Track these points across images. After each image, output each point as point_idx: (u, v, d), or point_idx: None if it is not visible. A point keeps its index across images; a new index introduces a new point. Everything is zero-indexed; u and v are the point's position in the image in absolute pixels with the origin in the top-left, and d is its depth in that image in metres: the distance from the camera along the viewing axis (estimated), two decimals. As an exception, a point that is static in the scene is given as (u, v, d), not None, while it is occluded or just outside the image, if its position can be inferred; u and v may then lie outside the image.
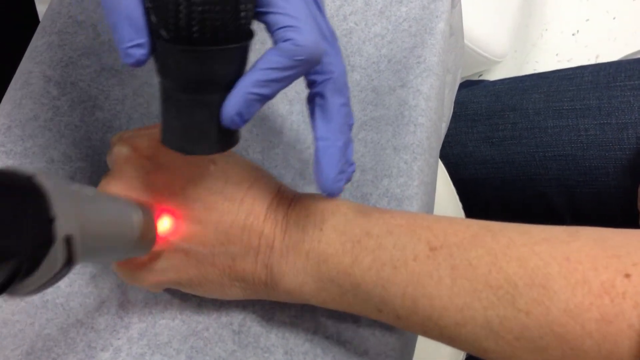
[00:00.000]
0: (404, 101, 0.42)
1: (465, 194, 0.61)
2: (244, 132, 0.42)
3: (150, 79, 0.44)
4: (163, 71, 0.28)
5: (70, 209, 0.23)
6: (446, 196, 0.57)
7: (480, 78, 1.30)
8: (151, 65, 0.45)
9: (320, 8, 0.31)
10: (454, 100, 0.53)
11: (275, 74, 0.27)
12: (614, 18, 1.36)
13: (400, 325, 0.32)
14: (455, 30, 0.47)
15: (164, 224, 0.33)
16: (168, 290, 0.38)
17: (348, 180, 0.33)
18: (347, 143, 0.31)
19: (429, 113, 0.42)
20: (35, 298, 0.37)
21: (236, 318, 0.37)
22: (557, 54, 1.36)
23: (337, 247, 0.32)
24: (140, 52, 0.27)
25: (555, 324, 0.25)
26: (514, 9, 1.21)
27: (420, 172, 0.40)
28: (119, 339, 0.37)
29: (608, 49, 1.33)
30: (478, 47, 1.10)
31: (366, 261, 0.31)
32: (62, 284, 0.38)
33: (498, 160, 0.62)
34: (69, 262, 0.23)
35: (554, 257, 0.26)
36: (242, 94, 0.28)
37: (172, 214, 0.33)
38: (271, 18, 0.28)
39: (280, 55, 0.27)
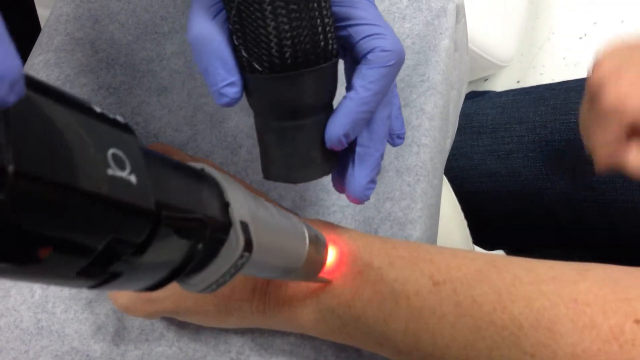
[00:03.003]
0: (407, 121, 0.41)
1: (470, 207, 0.60)
2: (243, 153, 0.41)
3: (147, 98, 0.43)
4: (260, 104, 0.29)
5: (242, 199, 0.22)
6: (450, 210, 0.56)
7: (486, 82, 1.28)
8: (150, 83, 0.44)
9: None
10: (458, 115, 0.51)
11: (374, 86, 0.28)
12: (622, 21, 1.34)
13: (401, 361, 0.31)
14: (460, 45, 0.46)
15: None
16: (165, 317, 0.37)
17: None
18: (383, 155, 0.32)
19: (433, 133, 0.41)
20: (30, 325, 0.37)
21: (234, 345, 0.36)
22: (564, 58, 1.35)
23: (338, 277, 0.31)
24: (233, 91, 0.27)
25: None
26: (521, 12, 1.19)
27: (423, 194, 0.39)
28: (115, 367, 0.36)
29: (616, 53, 1.31)
30: (484, 51, 1.09)
31: (367, 294, 0.30)
32: (58, 310, 0.37)
33: (504, 173, 0.61)
34: (247, 248, 0.22)
35: (562, 298, 0.25)
36: (349, 113, 0.28)
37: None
38: (353, 30, 0.28)
39: (372, 67, 0.28)
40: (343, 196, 0.40)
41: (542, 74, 1.35)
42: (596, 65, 0.42)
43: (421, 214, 0.38)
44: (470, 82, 1.27)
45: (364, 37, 0.28)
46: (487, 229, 0.65)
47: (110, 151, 0.16)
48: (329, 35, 0.27)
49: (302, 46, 0.26)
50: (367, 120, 0.29)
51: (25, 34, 0.67)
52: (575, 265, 0.28)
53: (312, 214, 0.39)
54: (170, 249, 0.19)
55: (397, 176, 0.39)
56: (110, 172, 0.15)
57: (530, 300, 0.26)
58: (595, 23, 1.36)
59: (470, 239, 0.58)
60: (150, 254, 0.18)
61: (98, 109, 0.17)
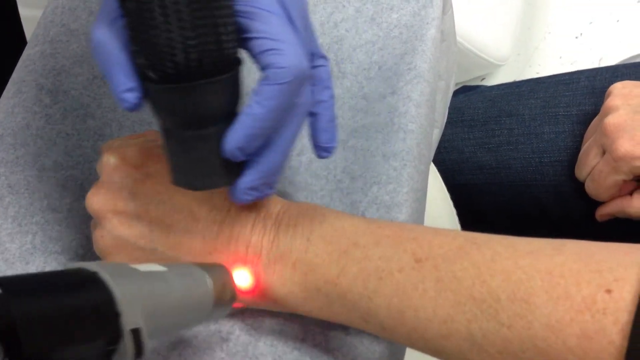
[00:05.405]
0: (394, 108, 0.42)
1: (460, 200, 0.61)
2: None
3: (142, 87, 0.44)
4: (159, 111, 0.28)
5: (136, 298, 0.23)
6: (440, 202, 0.57)
7: (483, 82, 1.29)
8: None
9: (307, 26, 0.31)
10: (447, 106, 0.52)
11: (270, 103, 0.27)
12: (618, 21, 1.35)
13: (386, 337, 0.32)
14: (447, 36, 0.47)
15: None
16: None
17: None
18: (278, 170, 0.31)
19: (419, 120, 0.42)
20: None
21: (224, 326, 0.37)
22: (560, 57, 1.36)
23: (324, 257, 0.32)
24: (133, 96, 0.27)
25: (537, 338, 0.25)
26: (517, 11, 1.20)
27: (409, 179, 0.40)
28: (107, 347, 0.37)
29: (612, 52, 1.32)
30: (480, 50, 1.10)
31: (352, 271, 0.31)
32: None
33: (494, 165, 0.62)
34: (138, 355, 0.22)
35: (538, 271, 0.26)
36: (243, 128, 0.28)
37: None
38: (253, 43, 0.28)
39: (268, 83, 0.27)
40: (331, 181, 0.41)
41: (538, 73, 1.36)
42: (610, 107, 0.49)
43: (407, 197, 0.39)
44: (467, 82, 1.28)
45: (261, 52, 0.27)
46: (478, 222, 0.66)
47: None
48: (228, 45, 0.27)
49: (196, 56, 0.25)
50: (264, 136, 0.29)
51: (7, 33, 0.68)
52: (552, 240, 0.28)
53: (301, 198, 0.40)
54: None
55: (384, 161, 0.40)
56: None
57: (508, 273, 0.27)
58: (591, 23, 1.37)
59: (459, 229, 0.59)
60: None
61: None
